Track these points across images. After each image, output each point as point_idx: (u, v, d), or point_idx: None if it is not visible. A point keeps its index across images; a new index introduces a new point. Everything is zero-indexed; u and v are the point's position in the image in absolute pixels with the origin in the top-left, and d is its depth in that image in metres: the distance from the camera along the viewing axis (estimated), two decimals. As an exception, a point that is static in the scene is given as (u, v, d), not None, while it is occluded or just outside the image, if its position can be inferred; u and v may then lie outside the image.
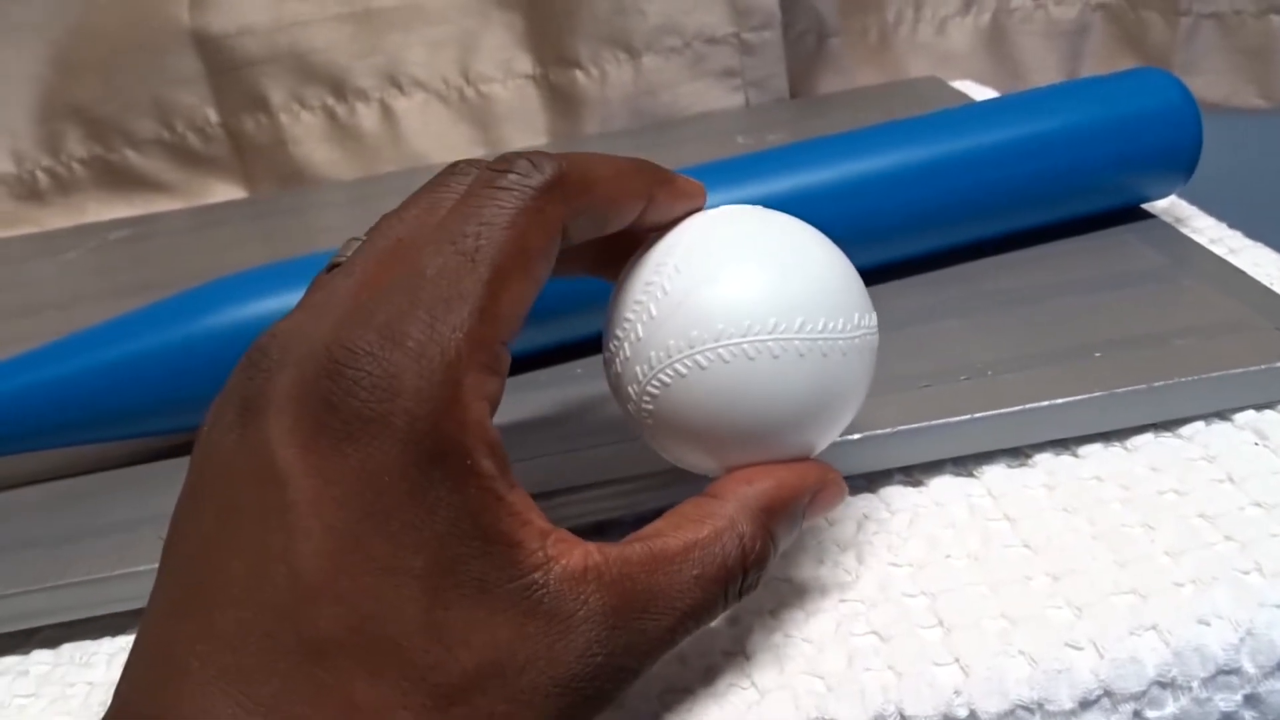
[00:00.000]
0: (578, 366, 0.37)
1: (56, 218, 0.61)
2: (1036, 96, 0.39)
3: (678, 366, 0.23)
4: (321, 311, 0.21)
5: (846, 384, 0.25)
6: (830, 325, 0.24)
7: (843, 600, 0.28)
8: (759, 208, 0.26)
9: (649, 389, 0.24)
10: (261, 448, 0.20)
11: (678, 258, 0.25)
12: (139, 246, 0.56)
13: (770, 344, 0.23)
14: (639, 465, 0.30)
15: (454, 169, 0.23)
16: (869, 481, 0.31)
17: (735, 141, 0.54)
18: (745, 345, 0.23)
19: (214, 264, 0.44)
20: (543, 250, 0.22)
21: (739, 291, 0.24)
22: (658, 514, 0.31)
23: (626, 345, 0.24)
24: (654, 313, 0.24)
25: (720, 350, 0.23)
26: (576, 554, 0.21)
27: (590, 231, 0.24)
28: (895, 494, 0.31)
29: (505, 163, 0.22)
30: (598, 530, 0.31)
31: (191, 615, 0.20)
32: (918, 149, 0.37)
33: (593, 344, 0.31)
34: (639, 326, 0.24)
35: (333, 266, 0.23)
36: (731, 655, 0.27)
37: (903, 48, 0.64)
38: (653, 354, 0.24)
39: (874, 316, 0.25)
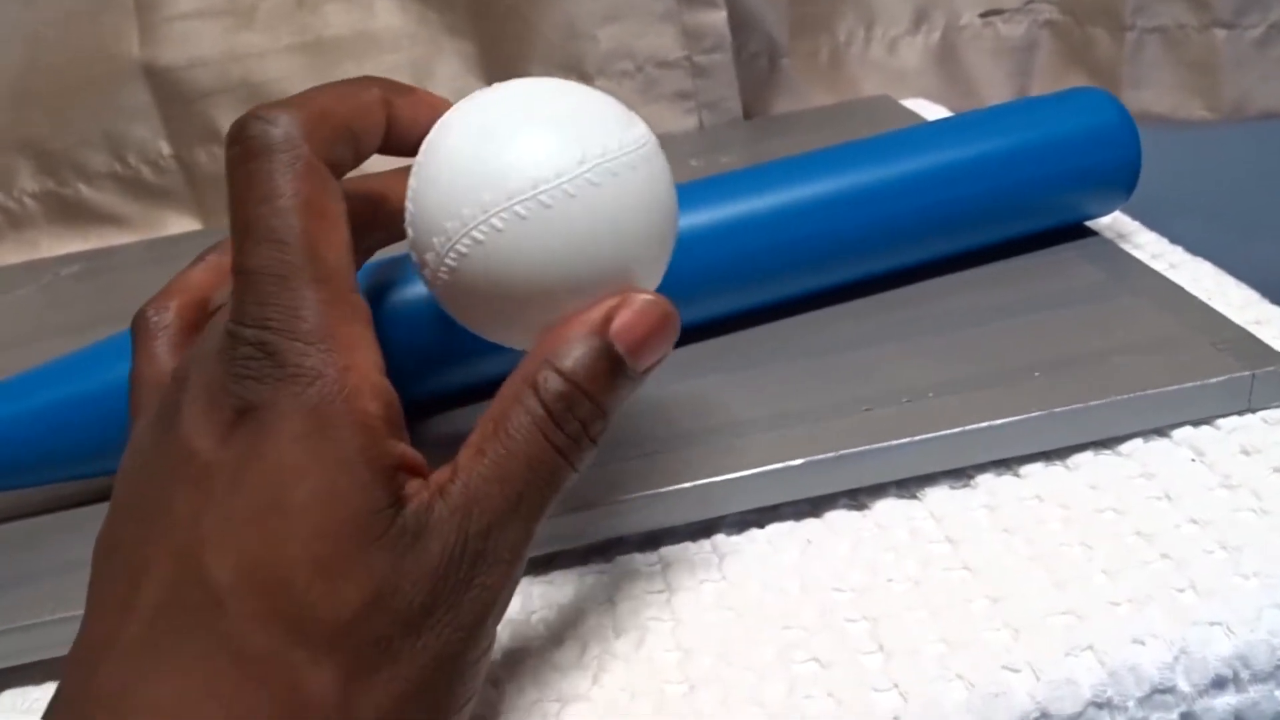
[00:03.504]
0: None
1: (8, 253, 0.61)
2: (976, 118, 0.39)
3: (447, 260, 0.24)
4: (213, 326, 0.24)
5: (617, 215, 0.24)
6: (566, 164, 0.23)
7: (786, 628, 0.28)
8: (512, 82, 0.26)
9: (436, 282, 0.24)
10: (179, 443, 0.22)
11: (422, 149, 0.25)
12: (93, 281, 0.56)
13: (504, 215, 0.23)
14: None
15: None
16: (814, 506, 0.31)
17: (689, 164, 0.54)
18: (483, 226, 0.23)
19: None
20: (324, 190, 0.23)
21: (464, 174, 0.23)
22: (608, 545, 0.32)
23: (412, 253, 0.25)
24: (412, 210, 0.25)
25: (474, 233, 0.23)
26: (432, 481, 0.22)
27: (350, 156, 0.25)
28: (839, 518, 0.31)
29: (239, 130, 0.23)
30: (547, 562, 0.31)
31: (117, 604, 0.21)
32: (856, 174, 0.37)
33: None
34: (409, 227, 0.25)
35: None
36: (676, 685, 0.27)
37: (854, 67, 0.64)
38: (432, 243, 0.24)
39: (628, 135, 0.24)
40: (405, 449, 0.23)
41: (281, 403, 0.21)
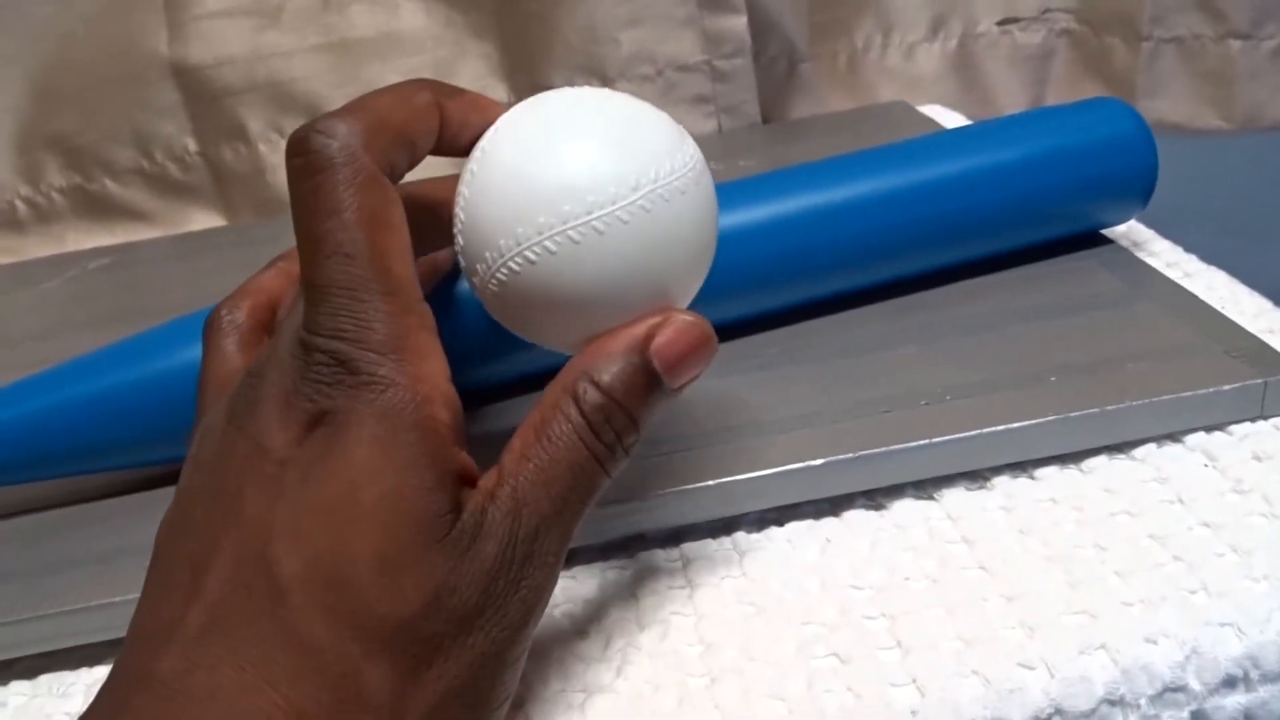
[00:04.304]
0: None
1: (36, 247, 0.62)
2: (996, 126, 0.40)
3: (498, 275, 0.24)
4: (284, 331, 0.24)
5: (666, 238, 0.24)
6: (621, 190, 0.24)
7: (805, 624, 0.28)
8: (565, 92, 0.26)
9: (487, 291, 0.25)
10: (253, 441, 0.23)
11: (473, 159, 0.25)
12: (118, 275, 0.56)
13: (557, 239, 0.23)
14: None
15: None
16: (832, 505, 0.32)
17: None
18: (536, 247, 0.24)
19: (194, 293, 0.44)
20: (386, 201, 0.23)
21: (518, 194, 0.24)
22: (629, 542, 0.32)
23: (460, 258, 0.26)
24: (464, 220, 0.25)
25: (527, 252, 0.24)
26: (480, 487, 0.23)
27: (406, 162, 0.25)
28: (858, 518, 0.32)
29: (300, 144, 0.23)
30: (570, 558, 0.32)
31: (182, 588, 0.22)
32: (878, 180, 0.37)
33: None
34: (459, 234, 0.25)
35: None
36: (698, 678, 0.27)
37: (872, 72, 0.65)
38: (484, 256, 0.24)
39: (680, 157, 0.25)
40: (465, 457, 0.23)
41: (356, 408, 0.22)
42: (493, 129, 0.26)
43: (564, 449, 0.23)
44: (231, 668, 0.21)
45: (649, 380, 0.24)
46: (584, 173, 0.24)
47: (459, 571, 0.22)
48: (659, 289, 0.25)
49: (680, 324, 0.25)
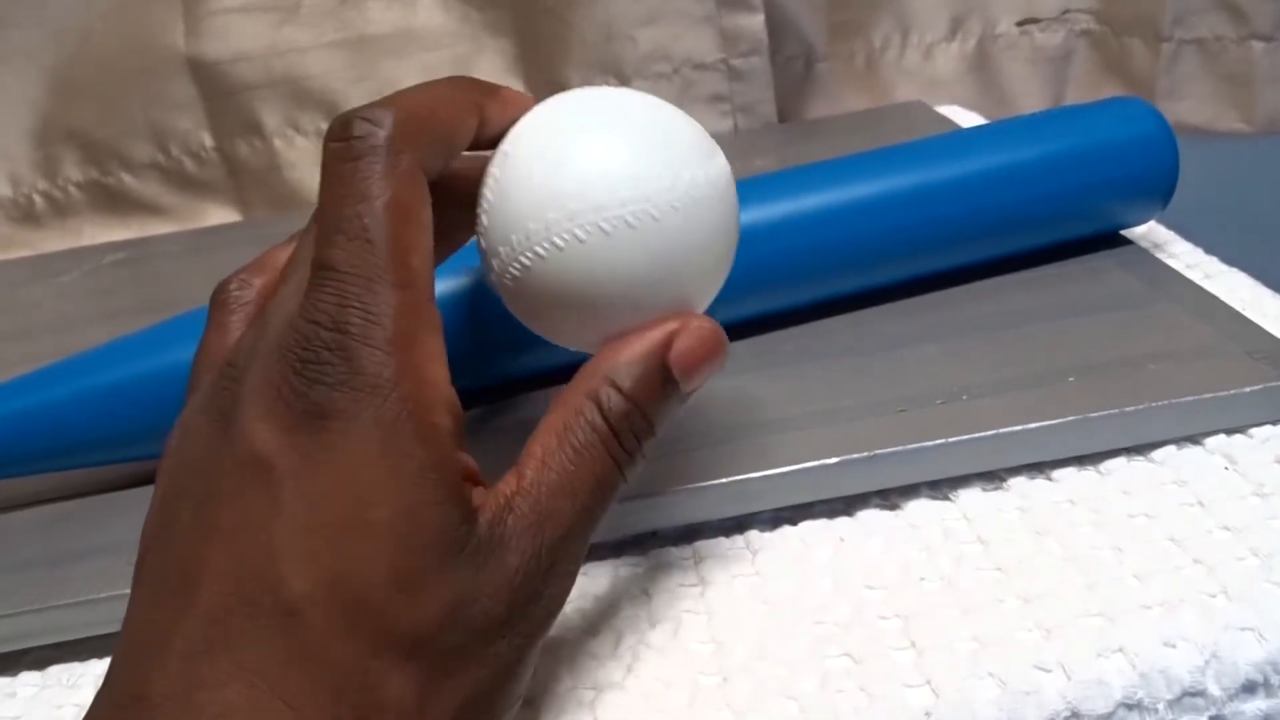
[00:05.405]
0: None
1: (52, 241, 0.62)
2: (1016, 125, 0.40)
3: (522, 259, 0.24)
4: (271, 316, 0.23)
5: (693, 241, 0.24)
6: (656, 187, 0.24)
7: (818, 623, 0.28)
8: (597, 89, 0.26)
9: (505, 278, 0.25)
10: (240, 439, 0.21)
11: (505, 146, 0.25)
12: (134, 269, 0.57)
13: (587, 227, 0.23)
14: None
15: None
16: (846, 505, 0.32)
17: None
18: (564, 234, 0.23)
19: (209, 287, 0.44)
20: (419, 197, 0.23)
21: (553, 178, 0.24)
22: (642, 539, 0.32)
23: (482, 244, 0.25)
24: (491, 201, 0.25)
25: (555, 238, 0.24)
26: (498, 492, 0.23)
27: (440, 161, 0.24)
28: (872, 517, 0.31)
29: (343, 128, 0.23)
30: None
31: (173, 597, 0.21)
32: (895, 178, 0.37)
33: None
34: (484, 218, 0.25)
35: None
36: (709, 676, 0.27)
37: (889, 73, 0.65)
38: (509, 239, 0.24)
39: (713, 164, 0.25)
40: (468, 460, 0.23)
41: (358, 414, 0.21)
42: (529, 117, 0.25)
43: (588, 457, 0.23)
44: (241, 685, 0.20)
45: (667, 385, 0.25)
46: (623, 166, 0.24)
47: (479, 583, 0.22)
48: (680, 293, 0.25)
49: (698, 330, 0.25)
